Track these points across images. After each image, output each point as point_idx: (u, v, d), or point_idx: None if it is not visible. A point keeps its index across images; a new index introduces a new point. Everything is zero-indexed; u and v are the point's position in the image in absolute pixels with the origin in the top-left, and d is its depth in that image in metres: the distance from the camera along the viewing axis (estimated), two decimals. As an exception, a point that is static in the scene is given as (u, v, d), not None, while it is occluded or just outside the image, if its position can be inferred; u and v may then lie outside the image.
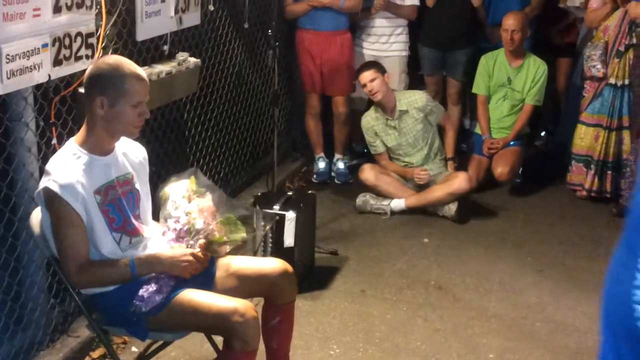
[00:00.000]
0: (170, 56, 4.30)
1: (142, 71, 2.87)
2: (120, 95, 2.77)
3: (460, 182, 5.40)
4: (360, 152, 6.59)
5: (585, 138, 5.76)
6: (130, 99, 2.78)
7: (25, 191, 3.37)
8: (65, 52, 3.34)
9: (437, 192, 5.46)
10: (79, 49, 3.43)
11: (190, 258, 2.83)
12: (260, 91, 5.98)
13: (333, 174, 6.20)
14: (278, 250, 4.22)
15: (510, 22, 5.81)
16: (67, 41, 3.35)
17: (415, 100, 5.58)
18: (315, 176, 6.18)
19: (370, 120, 5.68)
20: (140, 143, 3.10)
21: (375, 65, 5.56)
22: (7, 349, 3.37)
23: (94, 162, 2.82)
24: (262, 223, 4.27)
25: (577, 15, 6.46)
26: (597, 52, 5.53)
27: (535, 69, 5.93)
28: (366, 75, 5.46)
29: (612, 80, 5.56)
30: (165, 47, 4.28)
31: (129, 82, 2.78)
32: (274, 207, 4.31)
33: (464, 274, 4.64)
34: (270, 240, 4.28)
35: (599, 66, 5.54)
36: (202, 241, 2.88)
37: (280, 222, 4.26)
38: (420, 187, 5.58)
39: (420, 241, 5.14)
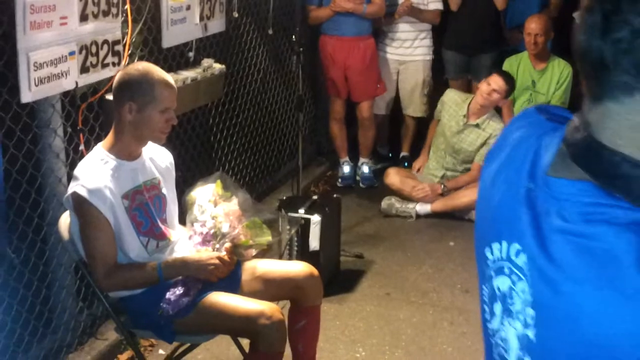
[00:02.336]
0: (196, 63, 4.35)
1: (171, 78, 2.92)
2: (149, 101, 2.81)
3: None
4: (385, 156, 6.59)
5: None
6: (159, 104, 2.82)
7: (53, 196, 3.42)
8: (92, 59, 3.39)
9: (464, 198, 5.43)
10: (105, 57, 3.48)
11: (217, 261, 2.85)
12: (284, 96, 6.01)
13: (358, 177, 6.21)
14: (303, 253, 4.24)
15: (533, 26, 5.78)
16: (93, 49, 3.39)
17: (496, 129, 5.42)
18: (340, 180, 6.20)
19: (454, 98, 5.63)
20: (166, 148, 3.13)
21: (511, 86, 5.48)
22: (36, 351, 3.41)
23: (122, 167, 2.86)
24: (288, 227, 4.28)
25: None
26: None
27: (559, 71, 5.90)
28: (499, 84, 5.34)
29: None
30: (191, 54, 4.32)
31: (157, 89, 2.81)
32: (299, 210, 4.33)
33: (489, 277, 4.62)
34: (296, 244, 4.30)
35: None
36: (228, 245, 2.90)
37: (305, 226, 4.28)
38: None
39: (446, 244, 5.13)
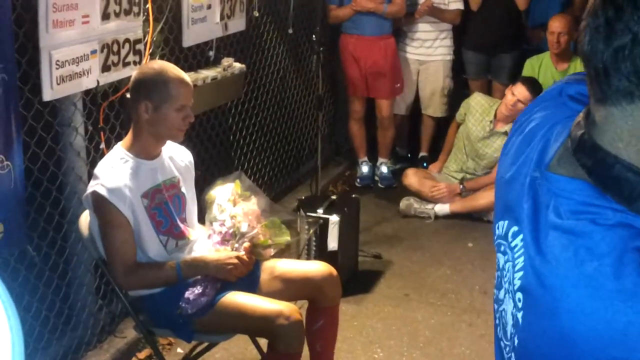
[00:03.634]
0: (216, 62, 4.35)
1: (186, 75, 2.91)
2: (165, 99, 2.81)
3: None
4: (403, 156, 6.58)
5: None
6: (175, 102, 2.82)
7: (74, 194, 3.44)
8: (113, 58, 3.40)
9: (482, 200, 5.41)
10: (126, 55, 3.49)
11: (236, 261, 2.85)
12: (303, 96, 6.01)
13: (376, 178, 6.20)
14: (322, 253, 4.23)
15: (556, 25, 5.75)
16: (115, 47, 3.41)
17: None
18: (358, 180, 6.19)
19: (481, 102, 5.60)
20: (185, 147, 3.14)
21: (537, 94, 5.42)
22: (56, 348, 3.43)
23: (141, 166, 2.87)
24: (306, 227, 4.28)
25: None
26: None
27: (581, 71, 5.85)
28: (524, 95, 5.26)
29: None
30: (211, 53, 4.32)
31: (172, 86, 2.81)
32: (318, 210, 4.33)
33: (509, 279, 4.60)
34: (314, 243, 4.30)
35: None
36: (247, 244, 2.90)
37: (324, 226, 4.28)
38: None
39: (464, 245, 5.11)
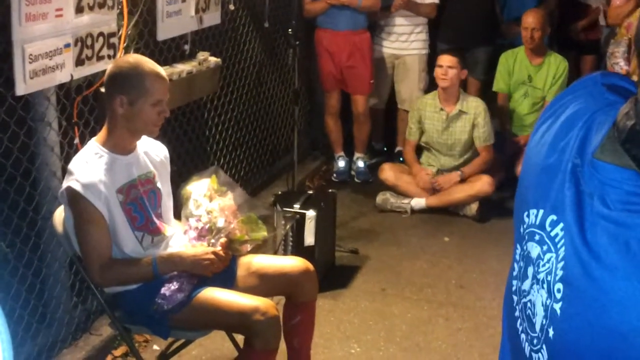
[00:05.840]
0: (191, 56, 4.32)
1: (162, 70, 2.89)
2: (140, 94, 2.78)
3: (483, 185, 5.38)
4: (379, 151, 6.58)
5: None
6: (150, 97, 2.79)
7: (48, 190, 3.40)
8: (87, 52, 3.36)
9: (458, 194, 5.44)
10: (100, 49, 3.45)
11: (212, 257, 2.84)
12: (280, 90, 5.99)
13: (353, 172, 6.20)
14: (298, 249, 4.23)
15: (530, 20, 5.78)
16: (89, 41, 3.37)
17: (477, 107, 5.48)
18: (335, 175, 6.18)
19: (423, 101, 5.63)
20: (161, 142, 3.11)
21: (461, 56, 5.51)
22: (30, 347, 3.39)
23: (116, 161, 2.84)
24: (283, 222, 4.27)
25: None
26: (620, 49, 5.49)
27: (556, 66, 5.89)
28: (448, 59, 5.40)
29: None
30: (186, 47, 4.29)
31: (148, 81, 2.79)
32: (295, 206, 4.32)
33: (485, 273, 4.62)
34: (291, 239, 4.29)
35: (622, 63, 5.49)
36: (223, 240, 2.89)
37: (300, 221, 4.27)
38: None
39: (441, 240, 5.13)
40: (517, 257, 1.11)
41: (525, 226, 1.07)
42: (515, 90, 6.02)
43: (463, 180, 5.49)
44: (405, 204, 5.52)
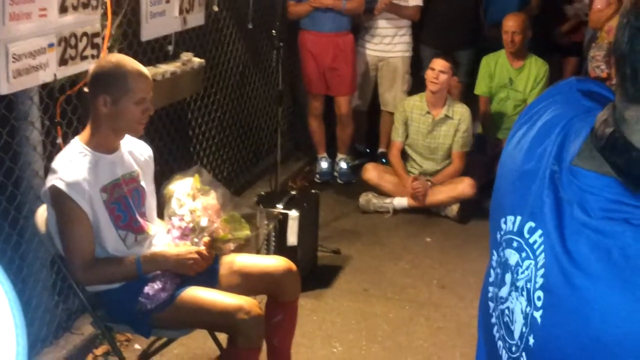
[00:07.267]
0: (175, 56, 4.33)
1: (144, 68, 2.89)
2: (123, 93, 2.79)
3: (464, 187, 5.41)
4: (362, 152, 6.61)
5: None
6: (133, 95, 2.80)
7: (30, 189, 3.39)
8: (71, 51, 3.36)
9: (440, 195, 5.47)
10: (84, 49, 3.45)
11: (196, 256, 2.85)
12: (263, 91, 6.00)
13: (336, 173, 6.22)
14: (281, 249, 4.24)
15: (510, 24, 5.82)
16: (72, 41, 3.37)
17: (462, 113, 5.52)
18: (318, 176, 6.20)
19: (410, 103, 5.65)
20: (144, 141, 3.12)
21: (454, 63, 5.54)
22: (12, 346, 3.38)
23: (100, 160, 2.85)
24: (266, 222, 4.28)
25: (582, 16, 6.48)
26: (601, 52, 5.55)
27: (537, 69, 5.94)
28: (441, 64, 5.42)
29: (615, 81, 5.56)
30: (170, 47, 4.30)
31: (131, 79, 2.80)
32: (277, 206, 4.33)
33: (466, 273, 4.66)
34: (274, 239, 4.30)
35: (603, 66, 5.55)
36: (206, 239, 2.90)
37: (283, 221, 4.28)
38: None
39: (423, 240, 5.16)
40: (494, 263, 1.09)
41: (502, 232, 1.06)
42: (497, 93, 6.06)
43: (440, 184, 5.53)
44: (388, 203, 5.55)
